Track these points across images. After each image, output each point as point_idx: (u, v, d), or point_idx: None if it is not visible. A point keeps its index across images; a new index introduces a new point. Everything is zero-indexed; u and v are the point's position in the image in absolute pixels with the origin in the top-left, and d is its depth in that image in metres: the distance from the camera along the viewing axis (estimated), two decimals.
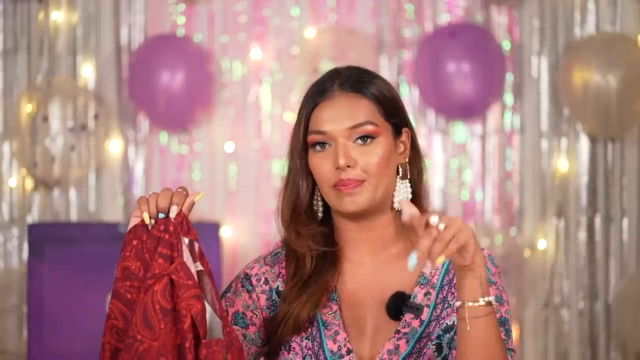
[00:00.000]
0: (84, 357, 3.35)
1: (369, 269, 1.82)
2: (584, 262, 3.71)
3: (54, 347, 3.36)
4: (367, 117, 1.77)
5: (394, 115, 1.81)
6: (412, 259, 1.56)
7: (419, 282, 1.80)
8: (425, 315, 1.78)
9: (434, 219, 1.59)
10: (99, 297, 3.36)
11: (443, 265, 1.82)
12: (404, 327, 1.77)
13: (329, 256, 1.82)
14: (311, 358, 1.77)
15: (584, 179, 3.72)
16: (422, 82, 3.72)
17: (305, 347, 1.77)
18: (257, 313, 1.81)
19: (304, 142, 1.81)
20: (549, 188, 3.74)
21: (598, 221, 3.72)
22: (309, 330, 1.78)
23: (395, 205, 1.81)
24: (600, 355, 3.68)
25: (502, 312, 1.79)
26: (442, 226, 1.58)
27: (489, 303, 1.64)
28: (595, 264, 3.71)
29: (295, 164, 1.82)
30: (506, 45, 3.75)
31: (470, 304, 1.63)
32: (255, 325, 1.80)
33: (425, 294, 1.80)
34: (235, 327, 1.79)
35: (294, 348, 1.78)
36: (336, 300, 1.79)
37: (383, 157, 1.77)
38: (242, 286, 1.83)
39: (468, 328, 1.63)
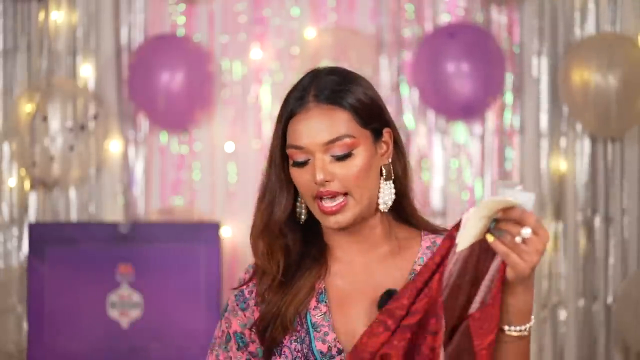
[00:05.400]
0: (84, 357, 3.35)
1: (359, 268, 1.81)
2: (583, 262, 3.71)
3: (54, 347, 3.36)
4: (344, 130, 1.73)
5: (372, 120, 1.78)
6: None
7: (410, 278, 1.79)
8: None
9: (525, 232, 1.51)
10: (99, 297, 3.37)
11: None
12: None
13: (313, 254, 1.81)
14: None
15: (584, 179, 3.72)
16: (422, 82, 3.72)
17: (295, 349, 1.76)
18: (254, 329, 1.80)
19: (283, 152, 1.77)
20: (548, 188, 3.74)
21: (597, 221, 3.72)
22: (299, 332, 1.77)
23: (381, 207, 1.80)
24: (599, 355, 3.68)
25: None
26: (518, 239, 1.51)
27: (520, 332, 1.61)
28: (594, 264, 3.71)
29: (274, 174, 1.79)
30: (506, 45, 3.75)
31: (517, 328, 1.60)
32: (255, 342, 1.80)
33: None
34: (238, 353, 1.80)
35: (284, 352, 1.77)
36: (325, 302, 1.78)
37: (362, 167, 1.74)
38: (237, 305, 1.83)
39: (505, 353, 1.60)
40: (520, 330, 1.60)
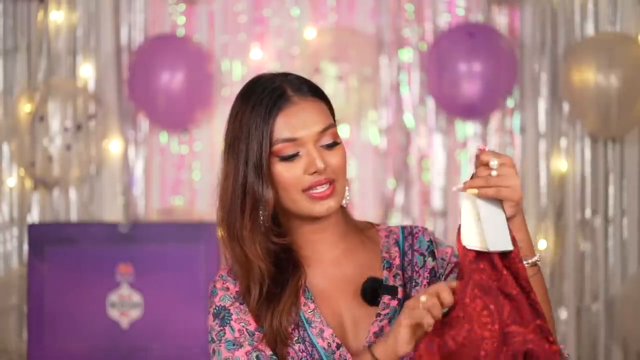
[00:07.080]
0: (84, 357, 3.35)
1: (330, 264, 1.82)
2: (583, 262, 3.71)
3: (54, 347, 3.36)
4: (329, 120, 1.77)
5: (333, 115, 1.82)
6: (459, 185, 1.72)
7: (383, 266, 1.82)
8: (400, 294, 1.80)
9: (493, 163, 1.66)
10: (99, 297, 3.37)
11: (399, 238, 1.85)
12: (384, 309, 1.79)
13: (289, 259, 1.80)
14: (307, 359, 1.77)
15: (584, 179, 3.72)
16: (423, 82, 3.72)
17: (299, 350, 1.77)
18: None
19: (262, 152, 1.74)
20: (549, 188, 3.74)
21: (598, 221, 3.72)
22: (298, 331, 1.78)
23: (343, 201, 1.80)
24: (600, 355, 3.68)
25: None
26: (494, 173, 1.65)
27: (534, 264, 1.69)
28: (595, 264, 3.71)
29: (252, 177, 1.75)
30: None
31: (531, 260, 1.70)
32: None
33: (394, 276, 1.82)
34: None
35: (289, 354, 1.77)
36: (312, 299, 1.79)
37: (345, 157, 1.78)
38: (241, 304, 1.81)
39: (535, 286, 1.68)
40: (535, 262, 1.70)
